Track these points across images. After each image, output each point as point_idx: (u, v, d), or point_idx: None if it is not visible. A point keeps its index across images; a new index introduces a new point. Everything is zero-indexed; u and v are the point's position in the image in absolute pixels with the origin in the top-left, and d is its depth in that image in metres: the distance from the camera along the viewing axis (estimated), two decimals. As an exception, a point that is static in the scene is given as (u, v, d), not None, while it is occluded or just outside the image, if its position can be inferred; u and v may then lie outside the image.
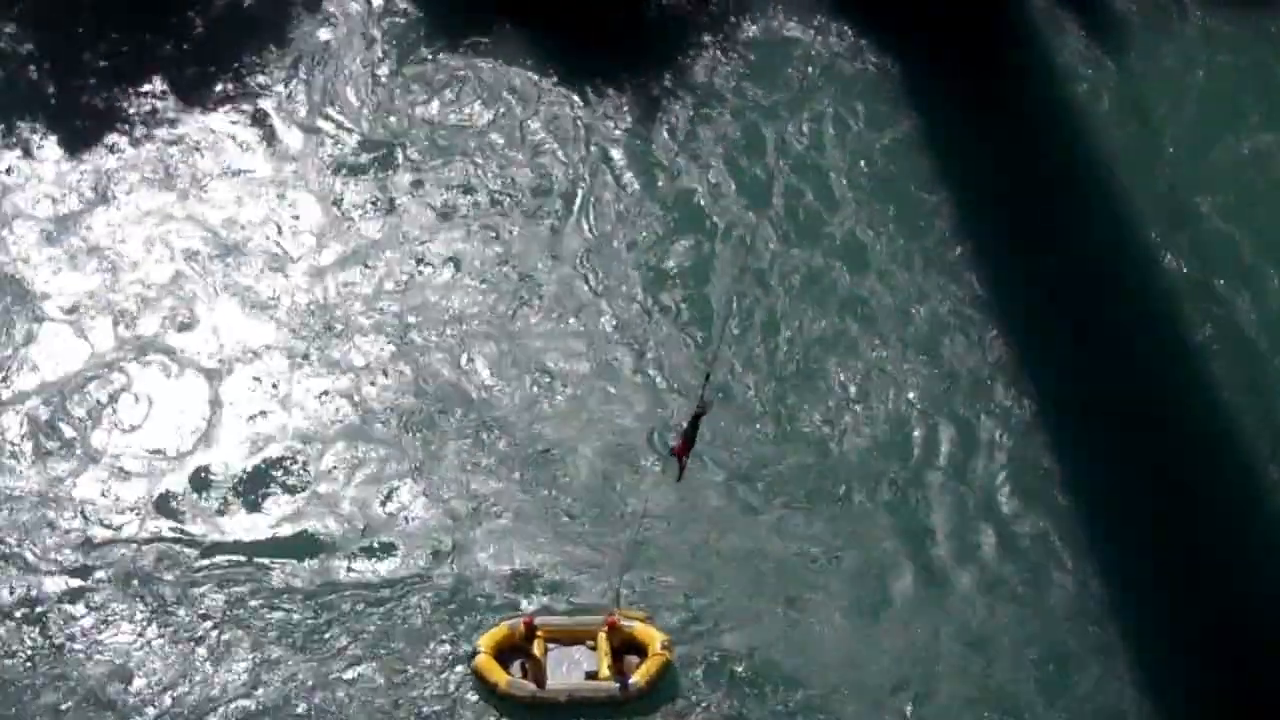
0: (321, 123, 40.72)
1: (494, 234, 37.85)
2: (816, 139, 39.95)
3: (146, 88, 41.47)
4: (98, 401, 34.08)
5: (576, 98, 41.26)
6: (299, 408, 34.32)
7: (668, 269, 37.21)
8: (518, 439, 33.82)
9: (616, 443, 33.93)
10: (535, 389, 34.59)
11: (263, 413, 34.28)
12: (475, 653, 30.92)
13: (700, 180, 39.05)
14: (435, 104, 41.21)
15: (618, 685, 30.70)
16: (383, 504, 32.94)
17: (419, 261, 37.14)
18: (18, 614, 31.04)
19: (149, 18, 42.99)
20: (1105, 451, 34.51)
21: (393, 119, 40.82)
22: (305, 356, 35.10)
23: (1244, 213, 38.68)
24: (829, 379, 35.30)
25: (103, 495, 32.71)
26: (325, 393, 34.50)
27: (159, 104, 41.09)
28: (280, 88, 41.49)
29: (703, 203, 38.45)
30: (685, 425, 29.80)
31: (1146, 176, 39.39)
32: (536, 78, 41.77)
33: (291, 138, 40.39)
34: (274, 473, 33.27)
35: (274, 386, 34.65)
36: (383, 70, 42.05)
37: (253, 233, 37.93)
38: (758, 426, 34.31)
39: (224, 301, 36.18)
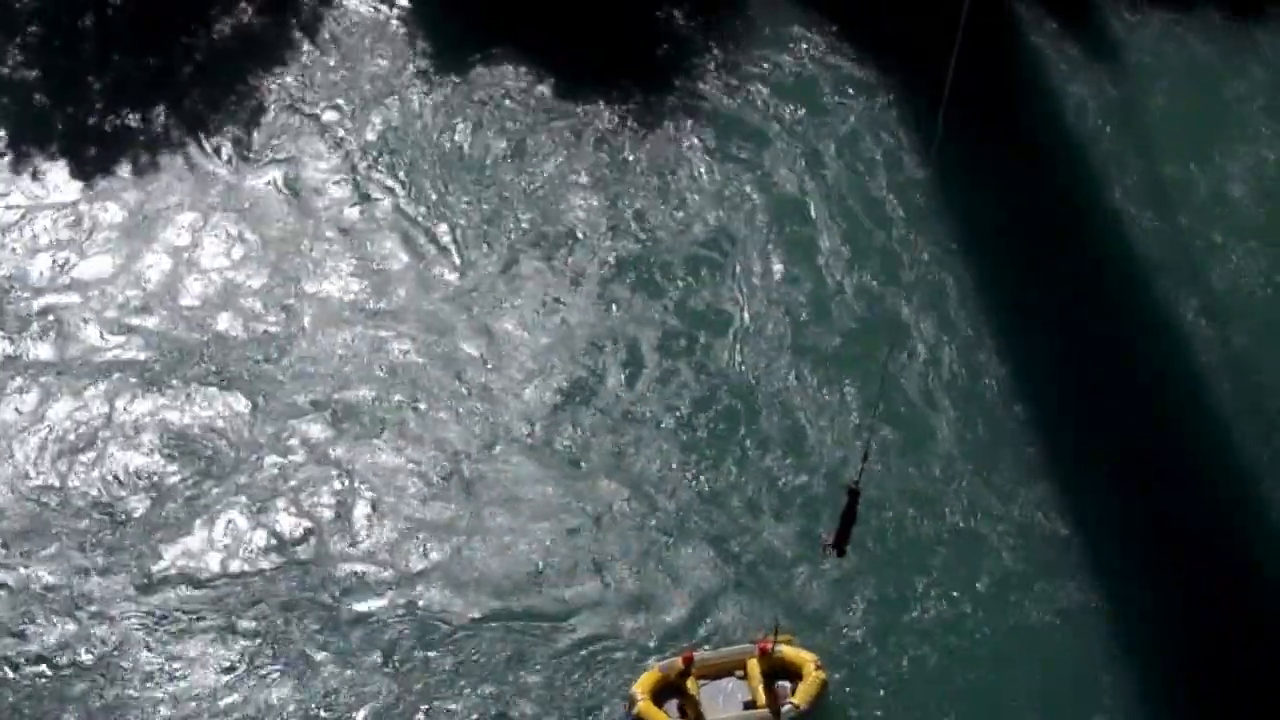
0: (362, 166, 40.57)
1: (633, 305, 37.63)
2: (849, 173, 40.51)
3: (160, 115, 41.39)
4: (341, 501, 34.01)
5: (620, 122, 41.51)
6: (511, 493, 34.28)
7: (817, 348, 37.02)
8: (715, 525, 33.90)
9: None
10: (742, 506, 34.23)
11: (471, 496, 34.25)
12: (634, 700, 30.61)
13: (811, 221, 39.36)
14: (471, 138, 41.16)
15: (781, 709, 30.57)
16: (559, 571, 33.12)
17: (585, 348, 36.71)
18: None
19: (152, 41, 42.63)
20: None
21: (433, 159, 40.68)
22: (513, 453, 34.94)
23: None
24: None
25: (360, 577, 32.95)
26: (539, 482, 34.34)
27: (175, 132, 41.10)
28: (299, 116, 41.51)
29: (823, 258, 38.63)
30: (842, 510, 28.69)
31: (1148, 195, 40.43)
32: (567, 105, 41.75)
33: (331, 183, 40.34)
34: (474, 542, 33.45)
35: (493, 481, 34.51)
36: (405, 94, 42.09)
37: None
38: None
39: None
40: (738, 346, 36.79)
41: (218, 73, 42.61)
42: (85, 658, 31.59)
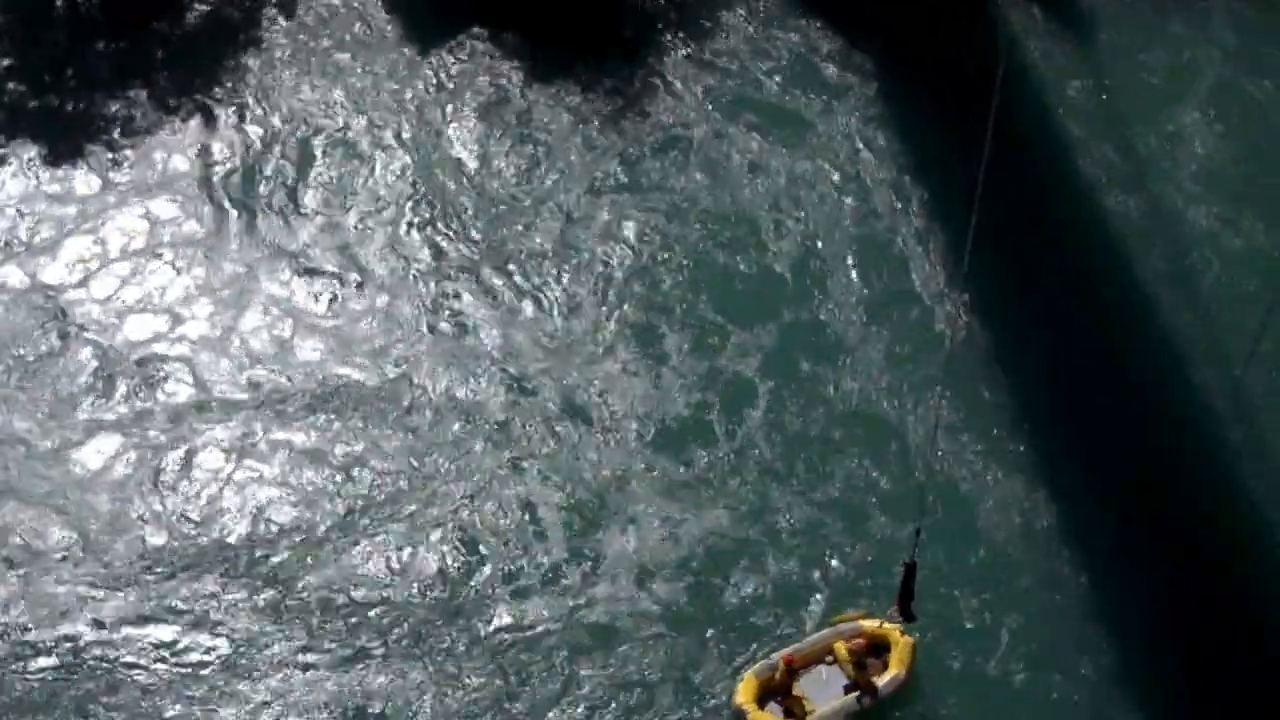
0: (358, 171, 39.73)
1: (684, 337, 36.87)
2: (826, 178, 40.15)
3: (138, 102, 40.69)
4: (490, 530, 33.58)
5: (633, 115, 41.16)
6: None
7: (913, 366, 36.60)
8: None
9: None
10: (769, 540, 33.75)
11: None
12: (742, 714, 30.19)
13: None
14: (484, 142, 40.43)
15: (884, 682, 30.52)
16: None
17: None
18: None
19: (126, 29, 41.92)
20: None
21: (448, 172, 39.80)
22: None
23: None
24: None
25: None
26: (677, 518, 33.93)
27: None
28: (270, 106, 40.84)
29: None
30: (899, 585, 29.50)
31: (1131, 183, 40.47)
32: (572, 101, 41.23)
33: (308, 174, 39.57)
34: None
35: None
36: (394, 91, 41.37)
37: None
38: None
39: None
40: (839, 371, 36.43)
41: (197, 65, 41.73)
42: (210, 667, 31.33)
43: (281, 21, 42.99)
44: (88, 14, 42.28)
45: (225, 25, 42.68)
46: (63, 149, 39.59)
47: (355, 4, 43.60)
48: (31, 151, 39.46)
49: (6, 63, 41.27)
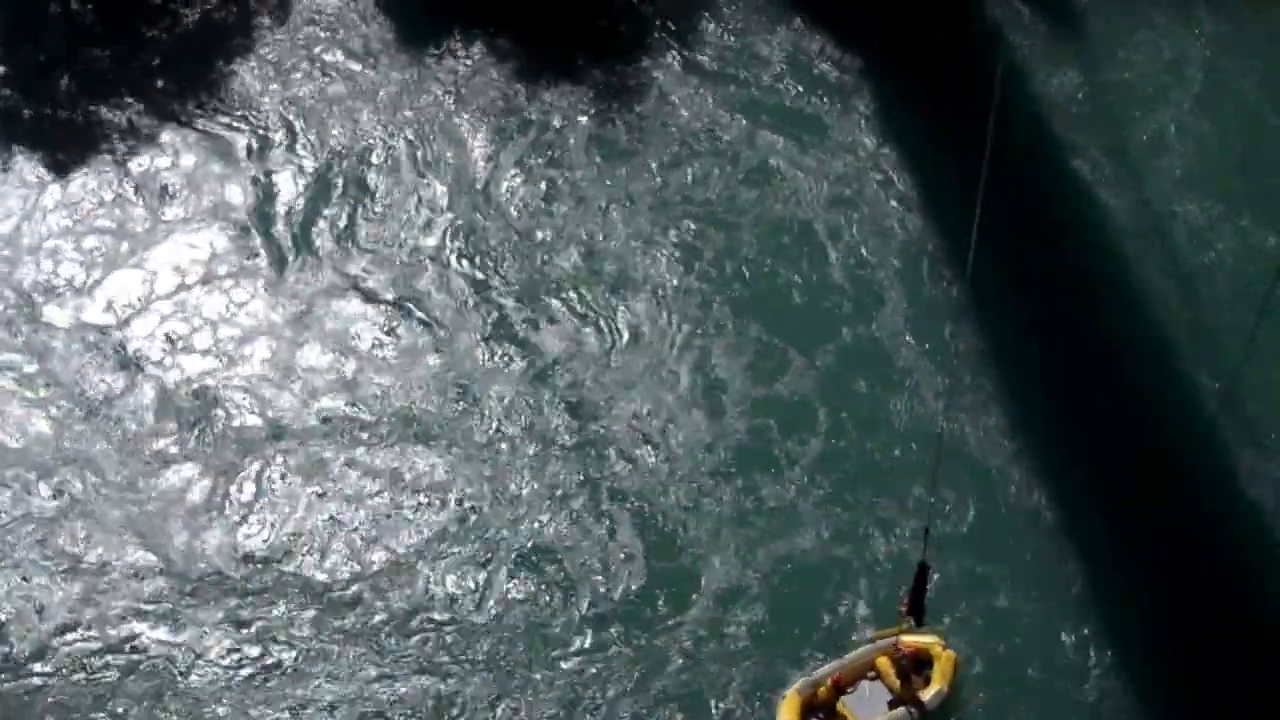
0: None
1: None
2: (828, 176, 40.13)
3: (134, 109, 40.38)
4: (566, 550, 33.51)
5: (641, 123, 40.97)
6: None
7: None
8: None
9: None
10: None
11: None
12: None
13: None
14: (495, 158, 40.09)
15: (930, 696, 30.43)
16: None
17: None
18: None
19: (121, 34, 41.59)
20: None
21: (455, 186, 39.46)
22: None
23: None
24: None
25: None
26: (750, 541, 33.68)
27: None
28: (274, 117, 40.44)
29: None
30: (912, 584, 29.75)
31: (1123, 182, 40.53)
32: (553, 105, 40.99)
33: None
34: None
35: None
36: (386, 93, 41.20)
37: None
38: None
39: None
40: (900, 394, 36.13)
41: (197, 76, 41.34)
42: (274, 679, 31.41)
43: (277, 28, 42.66)
44: (82, 19, 42.07)
45: (221, 32, 42.27)
46: (65, 161, 39.41)
47: (350, 8, 43.31)
48: (35, 163, 39.41)
49: (2, 70, 41.14)
